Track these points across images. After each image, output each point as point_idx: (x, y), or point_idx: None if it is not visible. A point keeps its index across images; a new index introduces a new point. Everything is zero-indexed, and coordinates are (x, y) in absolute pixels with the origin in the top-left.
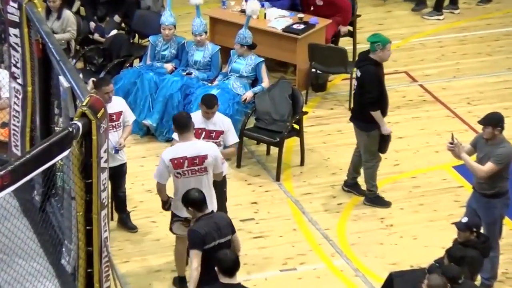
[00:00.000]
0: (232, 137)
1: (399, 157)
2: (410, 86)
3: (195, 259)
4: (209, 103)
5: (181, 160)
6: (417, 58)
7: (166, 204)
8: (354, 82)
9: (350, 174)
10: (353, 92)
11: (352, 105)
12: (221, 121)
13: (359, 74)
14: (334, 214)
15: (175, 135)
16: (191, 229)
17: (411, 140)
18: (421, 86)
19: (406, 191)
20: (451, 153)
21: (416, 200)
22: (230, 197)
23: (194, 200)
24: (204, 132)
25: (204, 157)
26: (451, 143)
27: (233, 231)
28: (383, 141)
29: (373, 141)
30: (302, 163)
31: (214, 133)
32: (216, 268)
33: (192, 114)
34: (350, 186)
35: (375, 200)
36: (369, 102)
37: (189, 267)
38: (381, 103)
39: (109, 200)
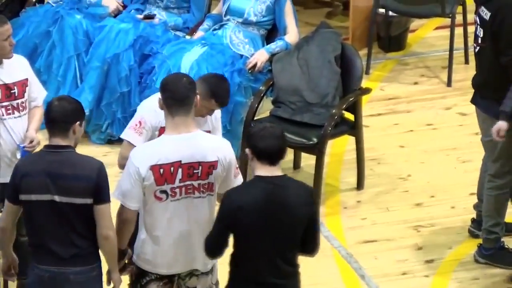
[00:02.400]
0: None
1: None
2: None
3: (4, 215)
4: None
5: (171, 168)
6: None
7: (123, 257)
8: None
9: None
10: (473, 47)
11: (475, 76)
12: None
13: (487, 14)
14: (419, 281)
15: (129, 134)
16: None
17: None
18: None
19: None
20: None
21: None
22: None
23: (52, 111)
24: None
25: (212, 165)
26: None
27: (98, 198)
28: None
29: None
30: (360, 185)
31: None
32: (249, 152)
33: (147, 101)
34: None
35: (498, 255)
36: None
37: None
38: None
39: None
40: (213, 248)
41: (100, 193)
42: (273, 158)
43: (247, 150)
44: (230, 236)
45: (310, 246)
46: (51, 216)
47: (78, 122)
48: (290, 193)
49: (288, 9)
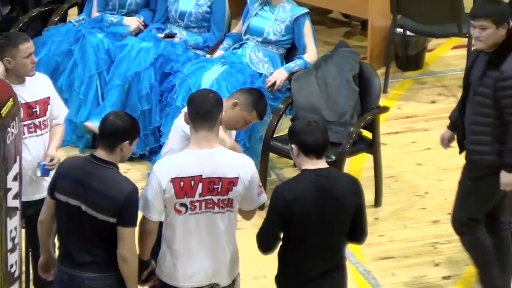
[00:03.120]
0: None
1: None
2: None
3: (43, 208)
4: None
5: (192, 182)
6: None
7: (146, 268)
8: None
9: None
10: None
11: None
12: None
13: None
14: None
15: (172, 139)
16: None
17: None
18: None
19: None
20: None
21: None
22: (247, 261)
23: (104, 125)
24: None
25: (232, 182)
26: None
27: (121, 220)
28: None
29: None
30: (377, 202)
31: None
32: (294, 146)
33: (178, 120)
34: None
35: None
36: None
37: None
38: None
39: (24, 268)
40: (266, 242)
41: (124, 216)
42: (319, 151)
43: (292, 146)
44: (281, 230)
45: (358, 233)
46: (75, 221)
47: (127, 142)
48: (339, 184)
49: (307, 29)
